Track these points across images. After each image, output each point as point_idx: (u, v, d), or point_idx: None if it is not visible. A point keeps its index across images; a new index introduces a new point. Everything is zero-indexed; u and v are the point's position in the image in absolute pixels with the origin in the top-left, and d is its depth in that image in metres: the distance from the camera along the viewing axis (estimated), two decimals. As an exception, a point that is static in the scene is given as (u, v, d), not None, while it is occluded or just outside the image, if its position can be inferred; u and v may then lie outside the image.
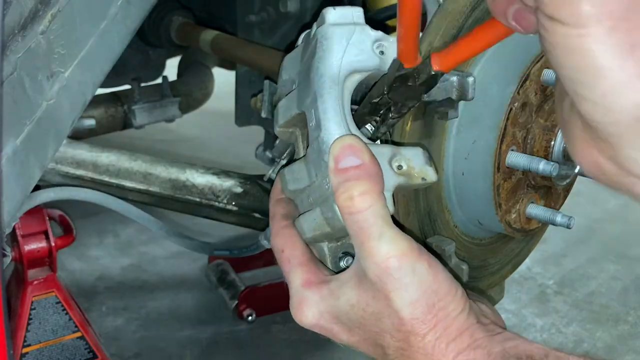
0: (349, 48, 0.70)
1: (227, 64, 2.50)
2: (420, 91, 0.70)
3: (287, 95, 0.79)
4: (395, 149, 0.70)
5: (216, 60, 2.50)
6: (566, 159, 0.95)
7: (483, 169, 0.93)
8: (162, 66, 2.43)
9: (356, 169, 0.65)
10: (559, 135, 0.94)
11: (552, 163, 0.90)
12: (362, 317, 0.68)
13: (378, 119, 0.75)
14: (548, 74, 0.94)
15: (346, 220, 0.66)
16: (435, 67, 0.66)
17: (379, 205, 0.65)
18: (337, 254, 0.76)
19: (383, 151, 0.70)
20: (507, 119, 0.91)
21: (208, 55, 2.38)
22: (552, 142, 0.94)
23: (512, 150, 0.93)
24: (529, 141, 0.95)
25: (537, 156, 0.93)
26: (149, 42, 2.12)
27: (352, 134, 0.68)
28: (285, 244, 0.76)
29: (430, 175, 0.71)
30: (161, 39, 2.05)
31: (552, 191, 1.04)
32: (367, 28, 0.72)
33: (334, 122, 0.68)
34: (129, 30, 0.91)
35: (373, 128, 0.75)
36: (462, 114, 0.92)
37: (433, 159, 0.73)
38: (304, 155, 0.75)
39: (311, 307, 0.71)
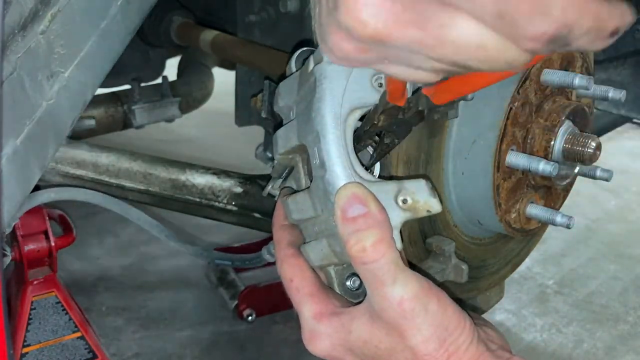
0: (348, 86, 0.71)
1: (227, 64, 2.50)
2: (411, 122, 0.71)
3: (285, 124, 0.79)
4: (399, 185, 0.71)
5: (216, 60, 2.50)
6: (566, 158, 0.95)
7: (483, 169, 0.93)
8: (162, 66, 2.43)
9: (364, 217, 0.66)
10: (559, 134, 0.94)
11: (552, 163, 0.90)
12: (374, 352, 0.70)
13: (375, 143, 0.75)
14: (548, 74, 0.94)
15: (359, 269, 0.68)
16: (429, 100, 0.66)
17: (390, 251, 0.66)
18: (343, 275, 0.77)
19: (388, 188, 0.70)
20: (507, 118, 0.91)
21: (208, 55, 2.38)
22: (552, 142, 0.94)
23: (512, 149, 0.93)
24: (528, 141, 0.95)
25: (537, 156, 0.93)
26: (149, 42, 2.12)
27: (356, 182, 0.69)
28: (294, 273, 0.77)
29: (435, 207, 0.71)
30: (161, 38, 2.05)
31: (552, 191, 1.04)
32: None
33: (339, 165, 0.69)
34: (128, 30, 0.91)
35: (373, 149, 0.76)
36: (462, 113, 0.92)
37: (436, 189, 0.73)
38: (307, 188, 0.75)
39: (324, 339, 0.73)
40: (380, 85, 0.72)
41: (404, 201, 0.70)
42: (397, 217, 0.69)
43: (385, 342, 0.69)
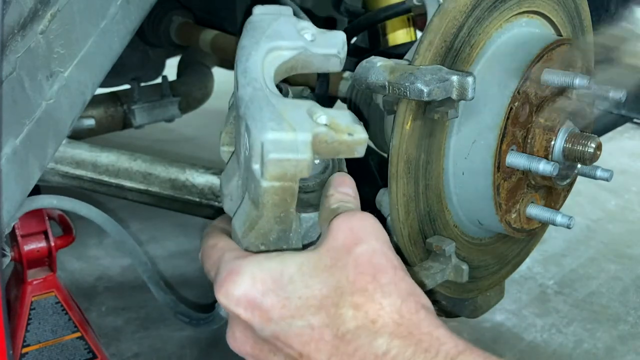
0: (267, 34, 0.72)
1: (227, 64, 2.49)
2: None
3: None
4: (315, 105, 0.67)
5: (216, 59, 2.49)
6: (566, 158, 0.95)
7: (483, 169, 0.93)
8: (162, 66, 2.42)
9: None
10: (560, 134, 0.94)
11: (552, 163, 0.90)
12: (309, 285, 0.63)
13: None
14: (548, 74, 0.94)
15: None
16: None
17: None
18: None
19: (300, 103, 0.67)
20: (507, 118, 0.91)
21: (208, 55, 2.38)
22: (552, 142, 0.94)
23: (512, 149, 0.93)
24: (529, 141, 0.95)
25: (538, 156, 0.93)
26: (148, 41, 2.12)
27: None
28: (220, 238, 0.74)
29: (358, 131, 0.66)
30: (161, 38, 2.05)
31: (553, 191, 1.03)
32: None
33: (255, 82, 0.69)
34: (128, 30, 0.91)
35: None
36: (462, 113, 0.92)
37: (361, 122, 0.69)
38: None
39: (245, 273, 0.65)
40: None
41: (320, 120, 0.65)
42: (308, 127, 0.63)
43: (329, 261, 0.64)
